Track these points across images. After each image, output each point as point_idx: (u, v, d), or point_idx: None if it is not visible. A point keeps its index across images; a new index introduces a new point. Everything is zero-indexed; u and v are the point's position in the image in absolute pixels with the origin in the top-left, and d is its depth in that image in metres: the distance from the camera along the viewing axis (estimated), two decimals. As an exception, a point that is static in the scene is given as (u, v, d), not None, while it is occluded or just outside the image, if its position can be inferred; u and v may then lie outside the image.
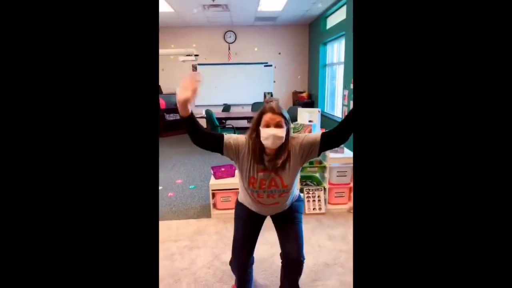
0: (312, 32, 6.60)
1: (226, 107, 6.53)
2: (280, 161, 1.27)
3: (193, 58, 5.30)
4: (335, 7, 5.08)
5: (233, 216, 1.52)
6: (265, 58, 6.89)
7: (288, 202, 1.43)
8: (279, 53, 6.90)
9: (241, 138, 1.32)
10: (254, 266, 1.58)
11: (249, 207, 1.46)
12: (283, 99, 7.00)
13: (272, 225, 2.47)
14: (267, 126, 1.23)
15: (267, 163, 1.29)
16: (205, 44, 6.67)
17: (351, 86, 4.26)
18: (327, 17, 5.69)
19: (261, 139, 1.24)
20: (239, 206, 1.51)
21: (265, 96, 6.94)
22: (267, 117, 1.24)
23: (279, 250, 2.06)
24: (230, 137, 1.30)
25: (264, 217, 1.52)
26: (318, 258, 1.99)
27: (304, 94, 6.81)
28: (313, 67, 6.54)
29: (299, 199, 1.54)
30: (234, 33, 6.73)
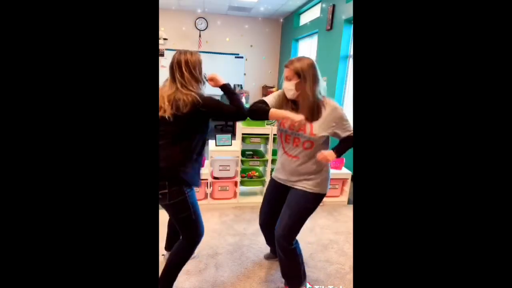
0: (284, 27, 6.62)
1: (194, 96, 6.32)
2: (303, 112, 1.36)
3: (161, 42, 5.03)
4: (309, 5, 5.14)
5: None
6: (237, 50, 6.77)
7: (311, 165, 1.38)
8: (251, 46, 6.83)
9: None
10: (226, 258, 1.54)
11: (276, 173, 1.50)
12: (253, 93, 6.97)
13: (243, 217, 2.42)
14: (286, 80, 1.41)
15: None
16: (175, 29, 6.36)
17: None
18: (300, 14, 5.74)
19: None
20: (268, 183, 1.61)
21: (235, 88, 6.83)
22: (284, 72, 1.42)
23: (247, 242, 2.04)
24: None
25: (286, 189, 1.46)
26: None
27: (274, 89, 6.82)
28: (284, 63, 6.57)
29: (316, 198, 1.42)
30: (206, 20, 6.51)
